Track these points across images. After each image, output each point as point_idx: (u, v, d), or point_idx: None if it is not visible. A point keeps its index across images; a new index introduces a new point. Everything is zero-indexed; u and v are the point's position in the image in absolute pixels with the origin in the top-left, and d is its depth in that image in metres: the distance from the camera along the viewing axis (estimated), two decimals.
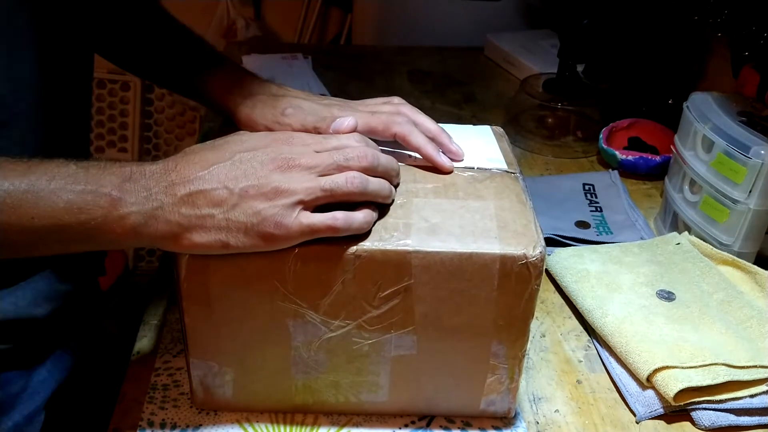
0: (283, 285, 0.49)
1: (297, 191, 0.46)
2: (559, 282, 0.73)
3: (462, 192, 0.53)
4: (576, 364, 0.65)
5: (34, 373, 0.63)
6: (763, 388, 0.59)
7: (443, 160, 0.55)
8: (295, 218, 0.46)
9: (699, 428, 0.59)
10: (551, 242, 0.79)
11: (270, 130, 0.57)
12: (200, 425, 0.56)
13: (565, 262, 0.74)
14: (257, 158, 0.47)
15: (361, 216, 0.48)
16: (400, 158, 0.56)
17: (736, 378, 0.59)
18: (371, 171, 0.49)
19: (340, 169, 0.48)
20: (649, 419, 0.59)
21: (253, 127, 0.59)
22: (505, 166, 0.57)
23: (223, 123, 0.62)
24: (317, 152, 0.48)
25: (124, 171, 0.45)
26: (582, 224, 0.84)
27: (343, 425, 0.56)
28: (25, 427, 0.63)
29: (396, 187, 0.52)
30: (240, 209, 0.45)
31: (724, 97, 0.80)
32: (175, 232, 0.46)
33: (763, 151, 0.69)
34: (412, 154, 0.57)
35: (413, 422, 0.57)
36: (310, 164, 0.47)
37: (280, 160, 0.47)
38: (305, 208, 0.46)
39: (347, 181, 0.47)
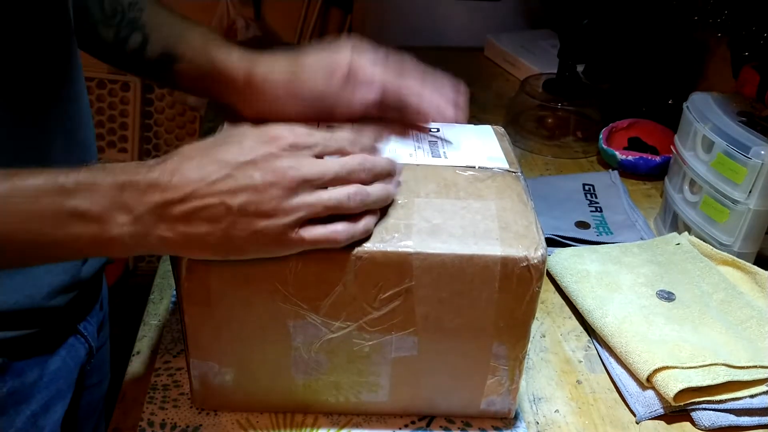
0: (283, 286, 0.49)
1: (299, 208, 0.45)
2: (559, 282, 0.73)
3: (463, 192, 0.53)
4: (576, 364, 0.65)
5: (49, 362, 0.63)
6: (763, 388, 0.60)
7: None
8: (296, 234, 0.45)
9: (699, 428, 0.59)
10: (551, 242, 0.79)
11: (289, 89, 0.56)
12: (200, 425, 0.56)
13: (565, 262, 0.74)
14: (257, 170, 0.45)
15: (362, 226, 0.47)
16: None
17: (736, 378, 0.59)
18: (372, 178, 0.48)
19: (342, 181, 0.47)
20: (649, 419, 0.59)
21: (269, 90, 0.57)
22: (506, 165, 0.57)
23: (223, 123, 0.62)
24: (317, 158, 0.47)
25: (116, 184, 0.43)
26: (582, 224, 0.84)
27: (343, 425, 0.56)
28: (42, 415, 0.63)
29: (398, 185, 0.52)
30: (239, 227, 0.44)
31: (724, 97, 0.80)
32: (172, 247, 0.45)
33: (763, 152, 0.69)
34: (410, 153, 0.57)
35: (413, 422, 0.57)
36: (311, 176, 0.45)
37: (279, 172, 0.45)
38: (305, 222, 0.46)
39: (349, 198, 0.46)
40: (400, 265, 0.48)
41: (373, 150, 0.51)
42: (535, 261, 0.48)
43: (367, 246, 0.48)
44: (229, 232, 0.44)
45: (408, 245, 0.48)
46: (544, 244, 0.49)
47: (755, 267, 0.72)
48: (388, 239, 0.48)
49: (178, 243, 0.45)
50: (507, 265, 0.48)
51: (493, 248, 0.48)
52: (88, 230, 0.43)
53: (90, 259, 0.65)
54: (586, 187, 0.92)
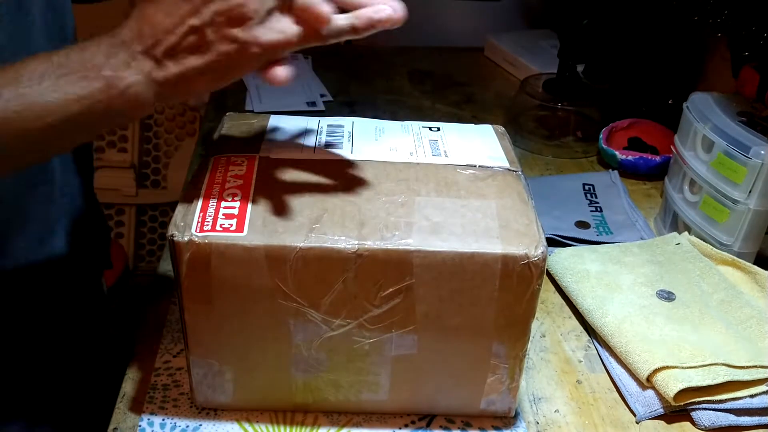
0: (284, 283, 0.49)
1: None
2: (559, 282, 0.73)
3: (464, 190, 0.53)
4: (576, 364, 0.65)
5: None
6: (763, 388, 0.60)
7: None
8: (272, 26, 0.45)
9: (699, 428, 0.59)
10: (551, 242, 0.79)
11: None
12: (200, 425, 0.56)
13: (565, 262, 0.74)
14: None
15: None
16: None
17: (736, 378, 0.59)
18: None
19: None
20: (649, 419, 0.59)
21: None
22: (507, 164, 0.57)
23: (222, 123, 0.62)
24: None
25: (104, 48, 0.45)
26: (582, 224, 0.84)
27: (343, 425, 0.56)
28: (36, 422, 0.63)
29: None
30: (222, 44, 0.45)
31: (724, 97, 0.80)
32: (176, 86, 0.46)
33: (763, 151, 0.69)
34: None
35: (413, 422, 0.57)
36: None
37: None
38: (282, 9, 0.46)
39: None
40: (400, 262, 0.48)
41: None
42: (536, 259, 0.48)
43: (368, 243, 0.48)
44: (216, 54, 0.45)
45: (408, 243, 0.48)
46: (545, 242, 0.49)
47: (755, 267, 0.72)
48: (389, 237, 0.48)
49: (179, 80, 0.45)
50: (507, 262, 0.48)
51: (493, 246, 0.48)
52: (107, 92, 0.44)
53: (82, 260, 0.65)
54: (586, 187, 0.92)
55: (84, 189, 0.69)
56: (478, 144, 0.60)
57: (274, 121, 0.62)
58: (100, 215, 0.75)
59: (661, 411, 0.59)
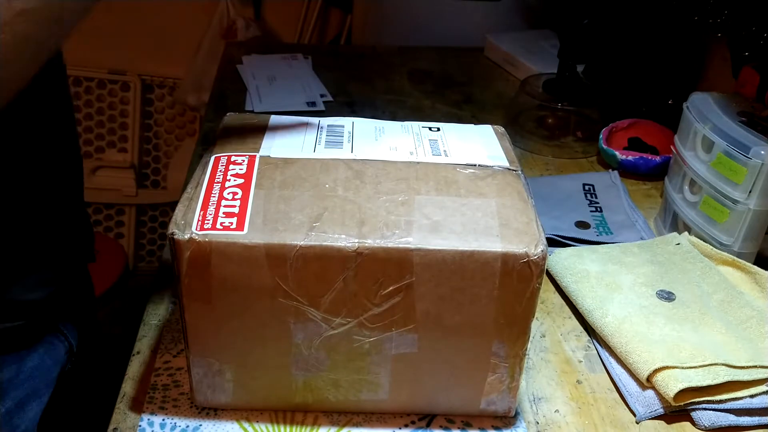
0: (284, 282, 0.49)
1: None
2: (559, 282, 0.73)
3: (464, 189, 0.53)
4: (576, 364, 0.65)
5: (26, 359, 0.63)
6: (763, 388, 0.60)
7: None
8: None
9: (699, 428, 0.59)
10: (551, 242, 0.79)
11: None
12: (200, 425, 0.56)
13: (565, 262, 0.74)
14: None
15: None
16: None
17: (736, 378, 0.59)
18: None
19: None
20: (649, 419, 0.59)
21: None
22: (506, 164, 0.57)
23: (222, 122, 0.63)
24: None
25: None
26: (582, 224, 0.84)
27: (343, 425, 0.56)
28: (17, 414, 0.63)
29: None
30: None
31: (724, 97, 0.80)
32: None
33: (763, 152, 0.69)
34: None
35: (413, 422, 0.57)
36: None
37: None
38: None
39: None
40: (400, 261, 0.48)
41: None
42: (536, 257, 0.48)
43: (368, 242, 0.48)
44: None
45: (409, 241, 0.48)
46: (545, 240, 0.49)
47: (755, 267, 0.72)
48: (389, 235, 0.48)
49: None
50: (507, 261, 0.48)
51: (493, 244, 0.48)
52: None
53: (66, 252, 0.65)
54: (586, 187, 0.92)
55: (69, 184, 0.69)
56: (478, 144, 0.60)
57: (274, 121, 0.62)
58: (82, 209, 0.74)
59: (661, 411, 0.59)
